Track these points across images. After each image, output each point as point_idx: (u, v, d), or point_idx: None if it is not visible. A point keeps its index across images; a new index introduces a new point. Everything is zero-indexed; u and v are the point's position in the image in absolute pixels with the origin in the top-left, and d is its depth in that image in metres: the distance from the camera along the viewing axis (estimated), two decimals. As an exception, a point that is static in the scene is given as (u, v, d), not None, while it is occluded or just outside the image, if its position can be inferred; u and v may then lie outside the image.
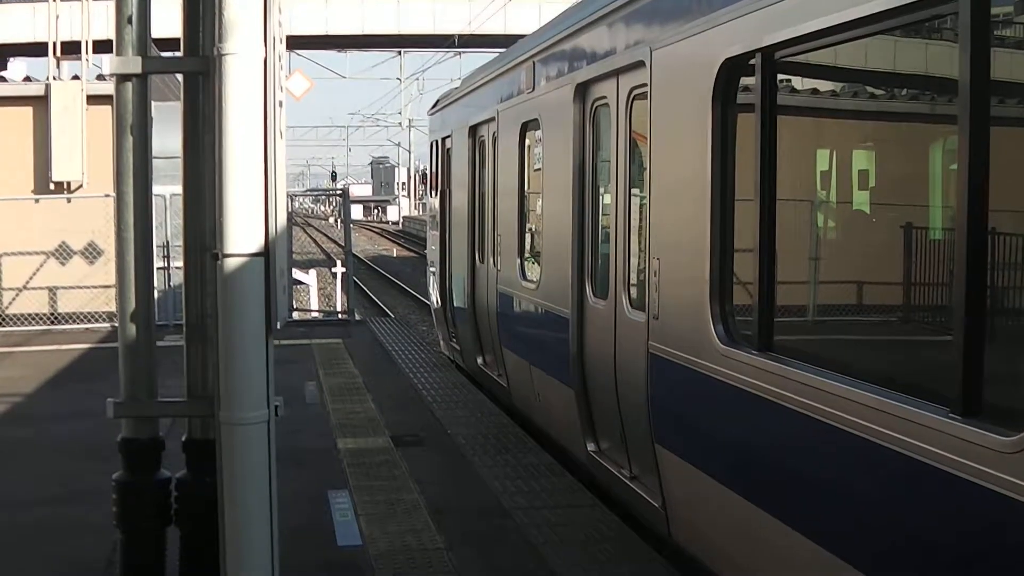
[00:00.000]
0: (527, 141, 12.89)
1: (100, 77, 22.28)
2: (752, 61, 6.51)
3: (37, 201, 21.96)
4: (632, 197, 9.17)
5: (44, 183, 22.26)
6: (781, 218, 6.49)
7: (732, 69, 6.84)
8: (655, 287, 8.12)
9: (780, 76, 6.45)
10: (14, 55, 49.15)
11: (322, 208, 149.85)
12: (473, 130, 15.78)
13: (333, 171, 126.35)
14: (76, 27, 22.89)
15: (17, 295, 22.32)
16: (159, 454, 6.50)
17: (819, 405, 5.71)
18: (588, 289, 10.28)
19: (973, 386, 4.55)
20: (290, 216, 25.97)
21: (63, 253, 22.13)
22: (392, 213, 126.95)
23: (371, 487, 10.39)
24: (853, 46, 5.69)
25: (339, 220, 70.27)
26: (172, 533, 6.69)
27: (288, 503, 9.61)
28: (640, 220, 8.88)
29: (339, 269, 28.18)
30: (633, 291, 9.12)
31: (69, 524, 9.33)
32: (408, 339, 20.65)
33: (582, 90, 10.26)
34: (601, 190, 10.17)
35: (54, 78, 23.02)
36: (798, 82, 6.71)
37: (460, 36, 47.68)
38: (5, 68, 46.61)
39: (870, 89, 6.10)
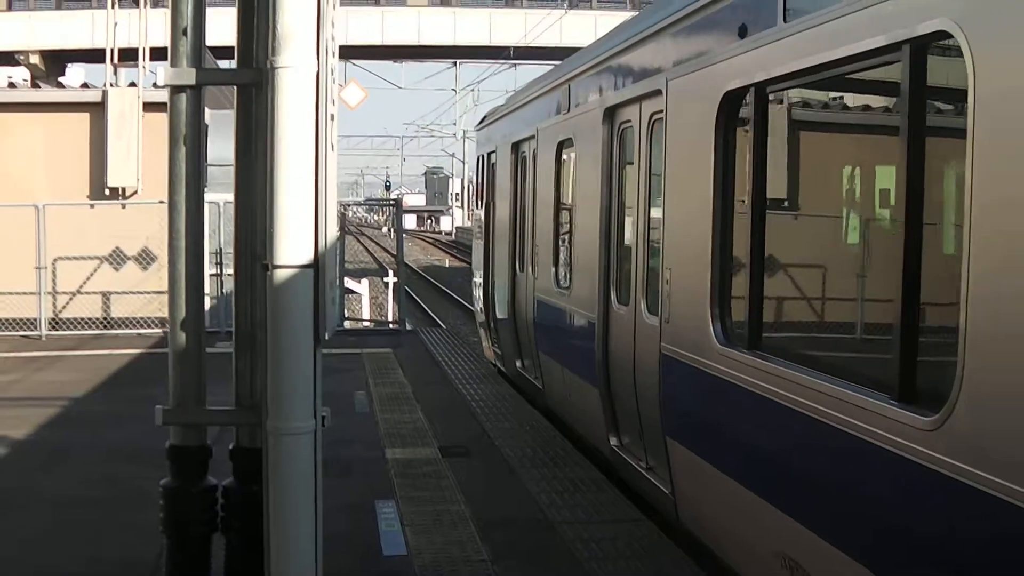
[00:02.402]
0: (563, 158, 13.64)
1: (156, 84, 22.44)
2: (748, 94, 7.53)
3: (92, 206, 22.09)
4: (651, 212, 9.96)
5: (100, 189, 22.41)
6: (769, 231, 7.43)
7: (732, 100, 7.80)
8: (667, 294, 9.04)
9: (770, 107, 7.41)
10: (73, 61, 49.83)
11: (375, 217, 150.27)
12: (516, 146, 16.42)
13: (387, 181, 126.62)
14: (134, 34, 23.05)
15: (71, 299, 22.48)
16: (206, 461, 6.53)
17: (793, 396, 6.62)
18: (613, 296, 11.06)
19: (906, 376, 5.50)
20: (343, 225, 26.17)
21: (117, 258, 22.30)
22: (445, 223, 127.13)
23: (418, 497, 10.40)
24: (824, 83, 6.83)
25: (392, 229, 70.50)
26: (217, 540, 6.74)
27: (335, 512, 9.67)
28: (656, 233, 9.65)
29: (391, 279, 28.24)
30: (650, 297, 9.86)
31: (118, 526, 9.42)
32: (458, 350, 20.67)
33: (610, 113, 11.14)
34: (625, 205, 10.95)
35: (111, 84, 23.20)
36: (785, 112, 7.51)
37: (515, 48, 47.71)
38: (63, 74, 47.24)
39: (841, 116, 7.15)
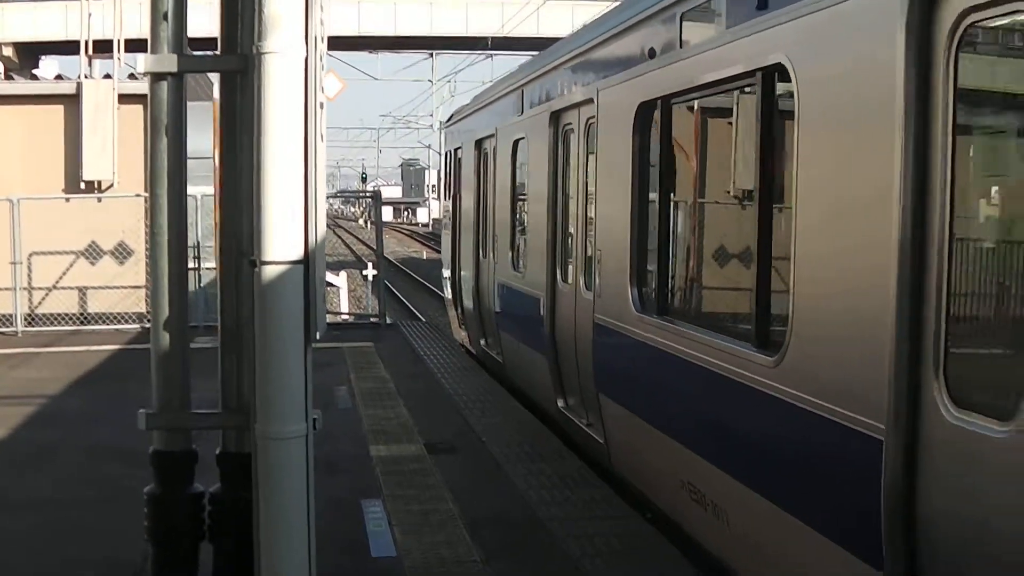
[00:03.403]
0: (518, 155, 15.21)
1: (132, 76, 22.19)
2: (656, 105, 9.24)
3: (68, 200, 21.81)
4: (588, 202, 11.54)
5: (75, 182, 22.13)
6: (671, 216, 9.28)
7: (645, 109, 9.47)
8: (598, 272, 10.76)
9: (673, 115, 9.14)
10: (46, 53, 49.37)
11: (352, 209, 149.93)
12: (479, 143, 17.92)
13: (363, 173, 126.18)
14: (108, 25, 22.76)
15: (47, 295, 22.20)
16: (192, 467, 6.28)
17: (686, 349, 8.32)
18: (558, 275, 12.68)
19: (762, 329, 7.10)
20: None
21: (93, 253, 22.01)
22: (422, 215, 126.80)
23: (405, 496, 10.20)
24: (710, 97, 8.57)
25: (369, 222, 70.23)
26: (205, 548, 6.50)
27: (321, 511, 9.44)
28: (591, 220, 11.32)
29: (370, 272, 27.99)
30: (587, 276, 11.43)
31: (100, 526, 9.21)
32: (439, 343, 20.48)
33: (555, 117, 12.77)
34: (568, 196, 12.59)
35: (86, 77, 22.88)
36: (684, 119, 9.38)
37: (492, 39, 47.48)
38: (37, 66, 46.80)
39: (721, 121, 8.82)
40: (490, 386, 15.84)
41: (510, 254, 15.39)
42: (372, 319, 24.37)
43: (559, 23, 43.30)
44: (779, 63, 6.66)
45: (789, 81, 6.52)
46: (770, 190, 7.10)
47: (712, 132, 9.18)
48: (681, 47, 8.53)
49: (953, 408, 5.10)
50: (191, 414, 6.23)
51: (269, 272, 5.25)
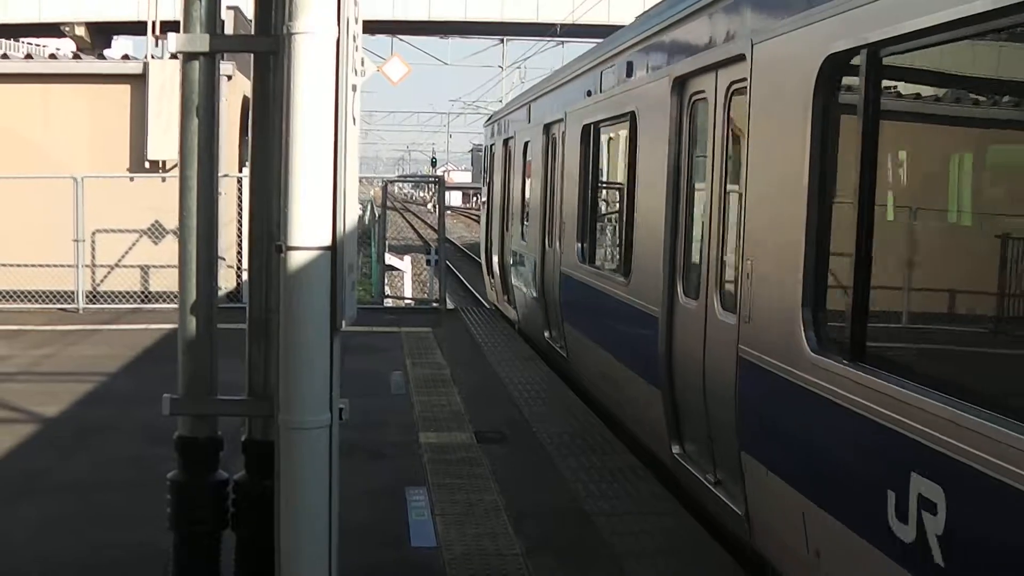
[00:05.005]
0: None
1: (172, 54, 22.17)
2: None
3: (132, 179, 21.87)
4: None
5: (140, 162, 22.19)
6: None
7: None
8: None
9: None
10: (119, 33, 49.70)
11: (421, 194, 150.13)
12: (547, 128, 17.03)
13: (433, 157, 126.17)
14: (178, 6, 22.75)
15: (110, 272, 22.30)
16: (217, 454, 6.16)
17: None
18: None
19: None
20: (384, 201, 25.91)
21: (156, 232, 22.04)
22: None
23: (450, 485, 10.09)
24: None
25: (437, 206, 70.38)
26: (228, 536, 6.40)
27: (363, 498, 9.45)
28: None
29: (433, 256, 27.90)
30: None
31: (139, 510, 9.12)
32: (498, 330, 20.32)
33: (549, 128, 14.22)
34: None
35: (152, 56, 22.93)
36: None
37: (562, 25, 47.19)
38: (109, 46, 47.11)
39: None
40: (546, 376, 15.67)
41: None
42: (433, 304, 24.26)
43: (630, 9, 42.94)
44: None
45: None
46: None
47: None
48: None
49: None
50: (216, 400, 6.12)
51: (296, 258, 5.12)
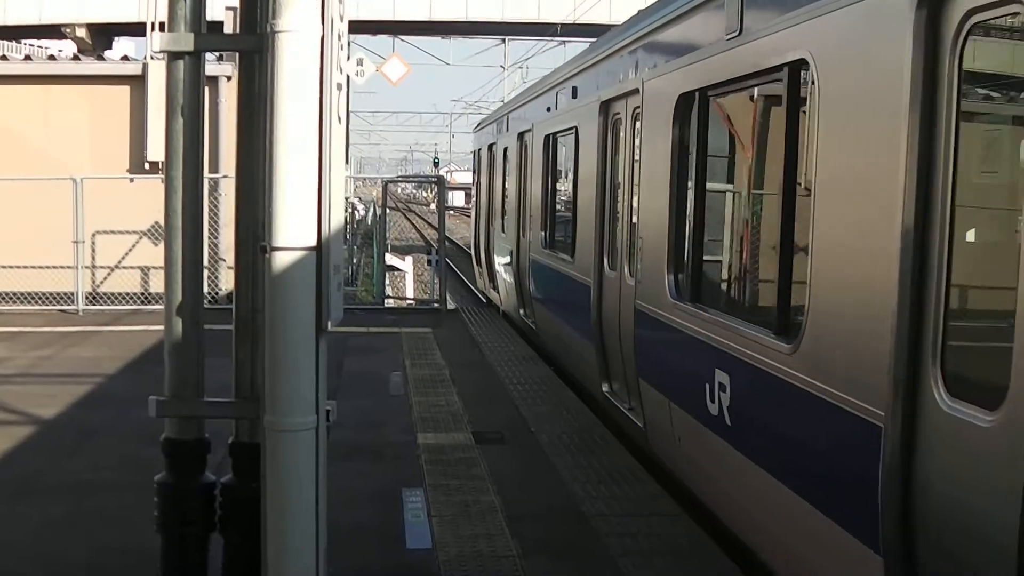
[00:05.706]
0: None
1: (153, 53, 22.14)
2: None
3: (132, 180, 21.82)
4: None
5: (139, 163, 22.17)
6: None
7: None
8: (640, 259, 10.94)
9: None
10: (120, 35, 49.65)
11: (423, 194, 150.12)
12: (491, 146, 22.08)
13: (436, 157, 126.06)
14: (176, 7, 22.72)
15: (110, 273, 22.27)
16: (204, 456, 6.11)
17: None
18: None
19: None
20: (385, 201, 25.89)
21: (156, 233, 21.96)
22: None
23: (447, 486, 10.06)
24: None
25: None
26: (216, 539, 6.35)
27: (360, 500, 9.43)
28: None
29: (434, 257, 27.91)
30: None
31: (136, 513, 9.02)
32: (498, 330, 20.30)
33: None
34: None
35: (152, 57, 22.90)
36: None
37: (562, 25, 47.12)
38: (111, 47, 47.06)
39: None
40: (546, 376, 15.64)
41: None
42: (434, 304, 24.21)
43: (631, 9, 42.84)
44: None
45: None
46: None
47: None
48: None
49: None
50: (203, 402, 6.07)
51: (280, 258, 5.07)
